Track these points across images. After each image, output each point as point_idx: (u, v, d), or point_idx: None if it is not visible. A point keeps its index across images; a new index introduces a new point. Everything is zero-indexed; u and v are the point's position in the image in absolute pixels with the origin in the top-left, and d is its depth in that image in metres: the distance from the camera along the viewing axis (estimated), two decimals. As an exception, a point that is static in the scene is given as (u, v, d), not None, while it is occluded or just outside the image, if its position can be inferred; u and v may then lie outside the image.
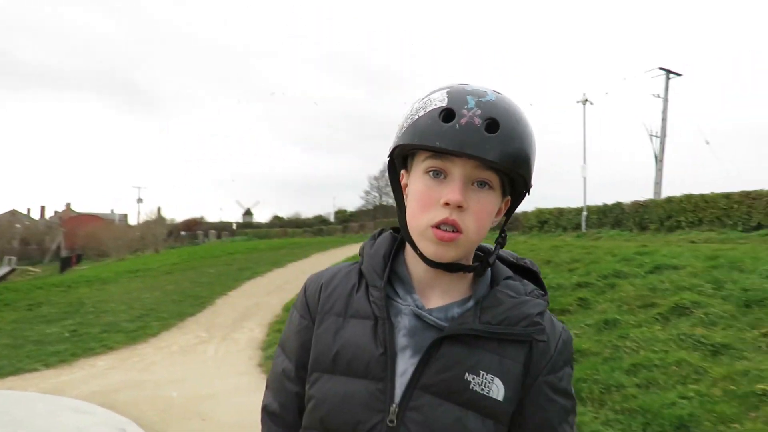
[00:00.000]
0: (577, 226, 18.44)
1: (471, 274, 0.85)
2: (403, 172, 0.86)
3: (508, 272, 0.88)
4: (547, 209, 20.49)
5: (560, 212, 19.80)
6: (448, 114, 0.75)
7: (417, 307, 0.82)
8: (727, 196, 13.94)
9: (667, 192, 20.52)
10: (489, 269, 0.87)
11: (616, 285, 6.31)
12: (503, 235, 0.88)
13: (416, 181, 0.80)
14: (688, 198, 15.00)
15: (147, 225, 49.73)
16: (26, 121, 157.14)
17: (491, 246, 0.89)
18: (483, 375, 0.79)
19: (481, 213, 0.78)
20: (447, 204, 0.76)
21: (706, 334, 4.56)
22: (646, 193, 22.28)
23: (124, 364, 6.33)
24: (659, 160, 22.75)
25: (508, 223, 0.88)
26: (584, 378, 4.32)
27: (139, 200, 58.68)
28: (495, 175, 0.78)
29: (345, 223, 46.64)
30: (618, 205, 17.56)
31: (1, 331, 8.15)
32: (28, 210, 74.69)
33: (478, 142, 0.74)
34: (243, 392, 5.20)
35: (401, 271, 0.86)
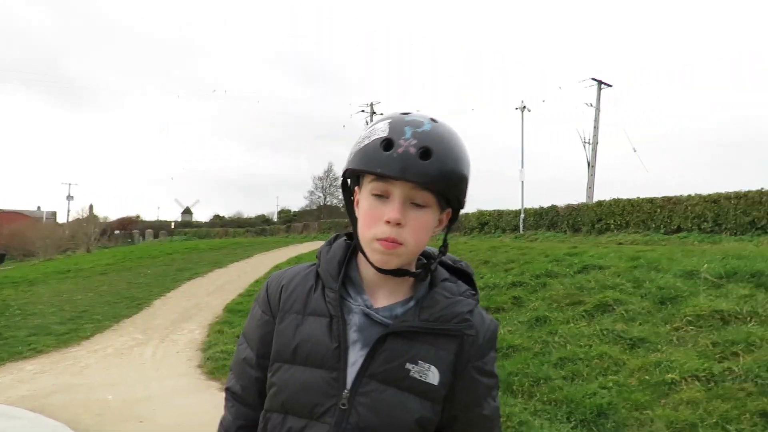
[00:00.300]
0: (516, 228, 19.16)
1: (411, 279, 0.98)
2: (356, 188, 0.98)
3: (446, 274, 1.01)
4: (487, 211, 21.16)
5: (500, 214, 20.50)
6: (388, 143, 0.87)
7: (366, 306, 0.95)
8: (651, 200, 14.91)
9: (598, 196, 21.63)
10: (432, 274, 1.00)
11: (547, 284, 6.68)
12: (445, 244, 1.01)
13: (364, 200, 0.93)
14: (617, 202, 15.92)
15: (78, 223, 47.33)
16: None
17: (435, 249, 1.03)
18: (421, 364, 0.92)
19: (418, 228, 0.91)
20: (388, 222, 0.89)
21: (626, 329, 4.94)
22: (579, 197, 23.40)
23: (55, 368, 6.09)
24: (591, 165, 23.94)
25: (449, 232, 1.01)
26: (515, 372, 4.57)
27: (69, 197, 55.84)
28: (430, 195, 0.90)
29: (288, 223, 46.11)
30: (553, 208, 18.39)
31: None
32: (-56, 206, 69.26)
33: (412, 168, 0.86)
34: (182, 394, 5.15)
35: (353, 275, 0.98)
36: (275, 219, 56.37)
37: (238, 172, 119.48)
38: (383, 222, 0.89)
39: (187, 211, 68.46)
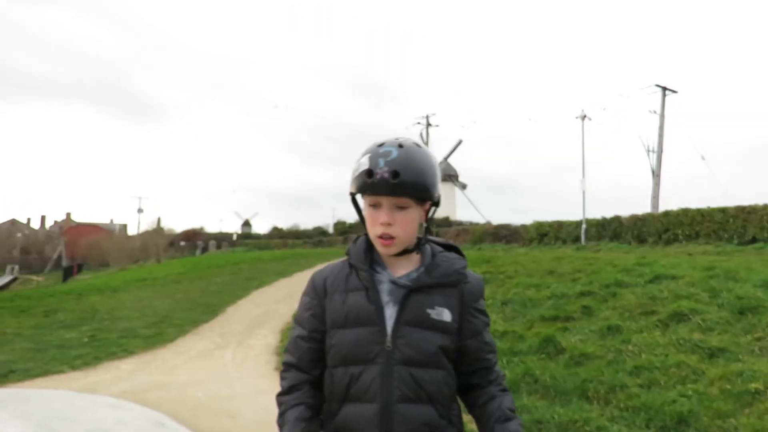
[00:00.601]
0: (577, 239, 18.76)
1: (417, 254, 1.37)
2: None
3: (440, 249, 1.40)
4: (546, 222, 20.82)
5: (560, 225, 20.12)
6: (369, 173, 1.24)
7: (390, 276, 1.32)
8: (723, 210, 14.30)
9: (664, 206, 20.90)
10: (430, 248, 1.38)
11: (617, 294, 6.62)
12: (428, 227, 1.37)
13: (366, 210, 1.32)
14: (685, 212, 15.35)
15: (147, 235, 49.97)
16: (26, 130, 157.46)
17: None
18: (437, 308, 1.30)
19: (404, 224, 1.28)
20: (382, 223, 1.27)
21: (704, 339, 4.87)
22: (643, 207, 22.68)
23: (147, 367, 6.59)
24: (656, 174, 23.17)
25: (432, 218, 1.37)
26: (590, 379, 4.60)
27: (140, 210, 58.92)
28: (408, 199, 1.27)
29: (345, 234, 46.76)
30: (616, 218, 17.91)
31: (22, 336, 8.39)
32: (28, 219, 74.62)
33: (388, 187, 1.24)
34: (265, 393, 5.46)
35: (377, 257, 1.35)
36: (331, 231, 57.26)
37: (294, 184, 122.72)
38: (379, 224, 1.27)
39: (246, 224, 70.67)
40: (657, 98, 23.87)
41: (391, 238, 1.28)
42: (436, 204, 1.34)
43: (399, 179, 1.22)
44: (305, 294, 1.40)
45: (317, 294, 1.36)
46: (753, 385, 3.95)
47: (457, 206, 43.52)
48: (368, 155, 1.27)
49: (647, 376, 4.49)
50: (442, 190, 1.36)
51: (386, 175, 1.22)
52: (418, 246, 1.35)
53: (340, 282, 1.34)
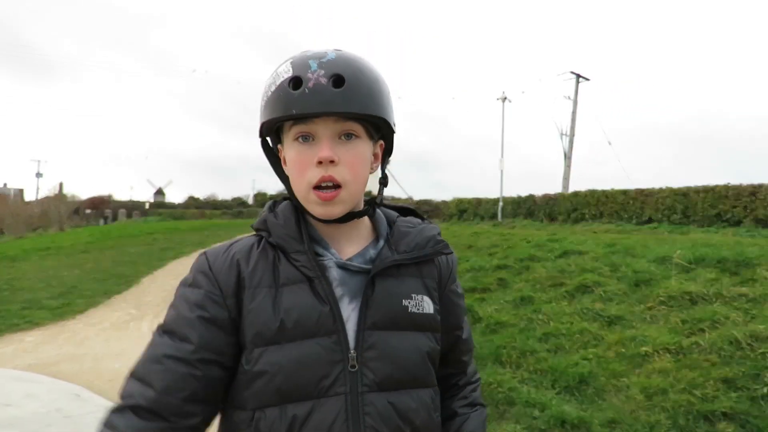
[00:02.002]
0: (494, 216, 19.65)
1: (368, 221, 0.93)
2: (279, 146, 0.90)
3: (396, 214, 0.97)
4: (466, 199, 21.62)
5: (478, 202, 20.98)
6: (296, 81, 0.80)
7: (337, 258, 0.87)
8: (625, 192, 15.50)
9: (573, 187, 22.24)
10: (383, 214, 0.95)
11: (530, 267, 7.08)
12: (384, 176, 0.94)
13: (290, 150, 0.85)
14: (592, 193, 16.49)
15: (48, 201, 46.39)
16: None
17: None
18: (414, 297, 0.88)
19: (354, 162, 0.83)
20: (320, 162, 0.81)
21: (604, 308, 5.36)
22: (555, 187, 24.06)
23: (55, 340, 6.25)
24: (568, 157, 24.57)
25: (387, 164, 0.94)
26: (504, 345, 4.95)
27: (39, 174, 54.51)
28: (357, 124, 0.83)
29: (266, 206, 45.86)
30: (531, 197, 18.92)
31: None
32: None
33: (329, 99, 0.79)
34: (186, 364, 5.39)
35: (314, 233, 0.88)
36: (251, 202, 56.10)
37: (212, 153, 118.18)
38: (314, 165, 0.81)
39: (159, 192, 67.59)
40: (571, 85, 25.18)
41: (337, 187, 0.82)
42: (391, 146, 0.92)
43: (345, 87, 0.80)
44: (190, 285, 0.86)
45: (219, 285, 0.84)
46: (644, 348, 4.43)
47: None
48: (290, 61, 0.83)
49: (554, 342, 4.90)
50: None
51: (323, 80, 0.79)
52: (368, 210, 0.92)
53: (265, 270, 0.85)
